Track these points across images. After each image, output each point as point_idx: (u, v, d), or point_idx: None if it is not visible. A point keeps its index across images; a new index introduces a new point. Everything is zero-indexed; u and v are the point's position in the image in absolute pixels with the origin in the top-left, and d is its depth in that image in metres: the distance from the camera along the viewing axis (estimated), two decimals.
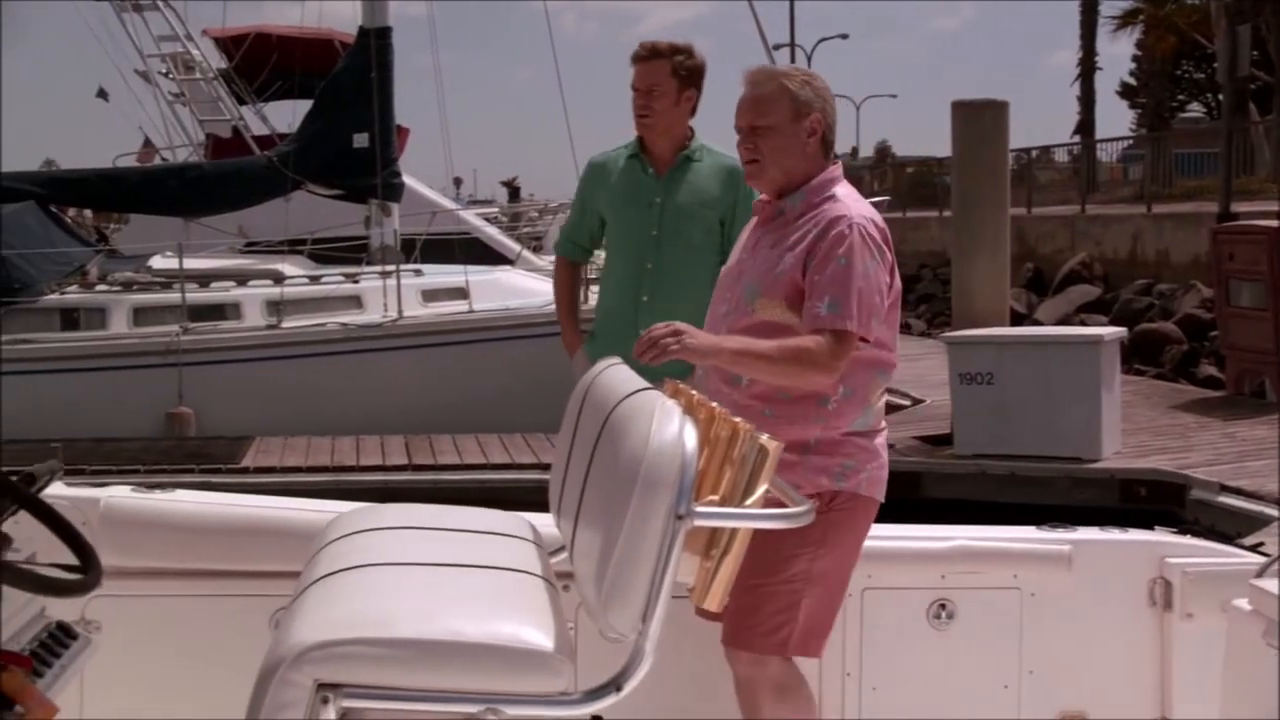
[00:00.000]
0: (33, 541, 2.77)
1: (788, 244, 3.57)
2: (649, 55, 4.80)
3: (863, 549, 3.73)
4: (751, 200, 4.97)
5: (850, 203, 3.59)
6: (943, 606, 3.80)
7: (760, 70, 3.70)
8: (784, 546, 3.34)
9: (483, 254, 17.42)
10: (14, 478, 2.71)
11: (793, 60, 48.00)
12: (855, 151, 38.50)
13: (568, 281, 5.26)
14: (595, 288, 5.63)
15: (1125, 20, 41.29)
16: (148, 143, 21.54)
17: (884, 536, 3.82)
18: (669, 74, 4.77)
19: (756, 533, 3.26)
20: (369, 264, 15.77)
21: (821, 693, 3.75)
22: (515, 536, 3.11)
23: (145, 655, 3.57)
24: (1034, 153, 33.14)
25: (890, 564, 3.81)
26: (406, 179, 16.91)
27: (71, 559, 2.66)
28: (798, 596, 3.44)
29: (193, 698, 3.61)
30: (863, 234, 3.49)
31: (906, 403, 14.44)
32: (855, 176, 37.27)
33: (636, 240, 4.90)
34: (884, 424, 3.68)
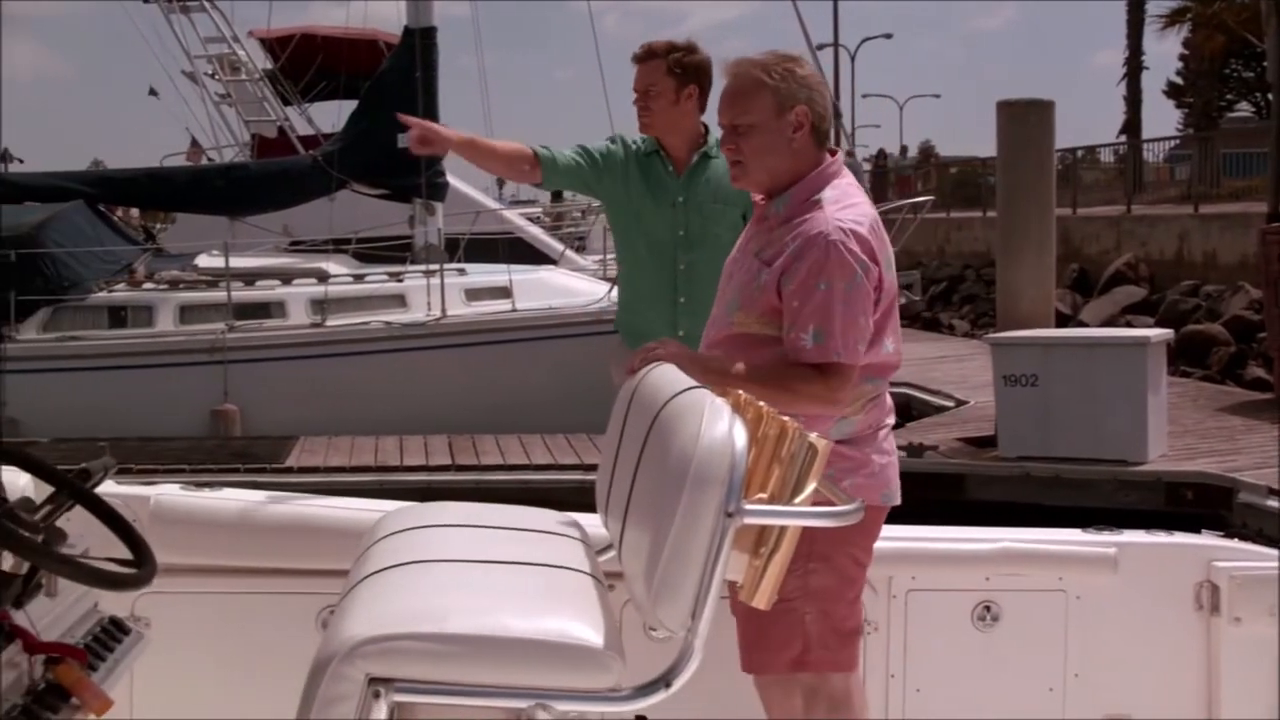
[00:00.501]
0: (85, 537, 2.80)
1: (767, 256, 3.40)
2: (645, 56, 4.78)
3: (906, 550, 3.73)
4: None
5: (833, 211, 3.34)
6: (987, 608, 3.78)
7: (738, 62, 3.46)
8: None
9: (526, 253, 17.47)
10: (69, 474, 2.75)
11: (835, 61, 47.89)
12: (905, 150, 38.39)
13: (517, 150, 4.84)
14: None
15: (1173, 19, 40.92)
16: (194, 143, 21.73)
17: (928, 538, 3.81)
18: (664, 73, 4.75)
19: None
20: (413, 263, 15.84)
21: (865, 694, 3.75)
22: (563, 535, 3.12)
23: (193, 651, 3.60)
24: (1079, 153, 32.91)
25: (934, 566, 3.80)
26: (450, 178, 16.98)
27: (124, 554, 2.68)
28: (799, 615, 3.32)
29: (239, 693, 3.64)
30: (842, 251, 3.27)
31: (950, 404, 14.38)
32: (903, 176, 37.04)
33: (664, 241, 4.87)
34: (877, 430, 3.51)
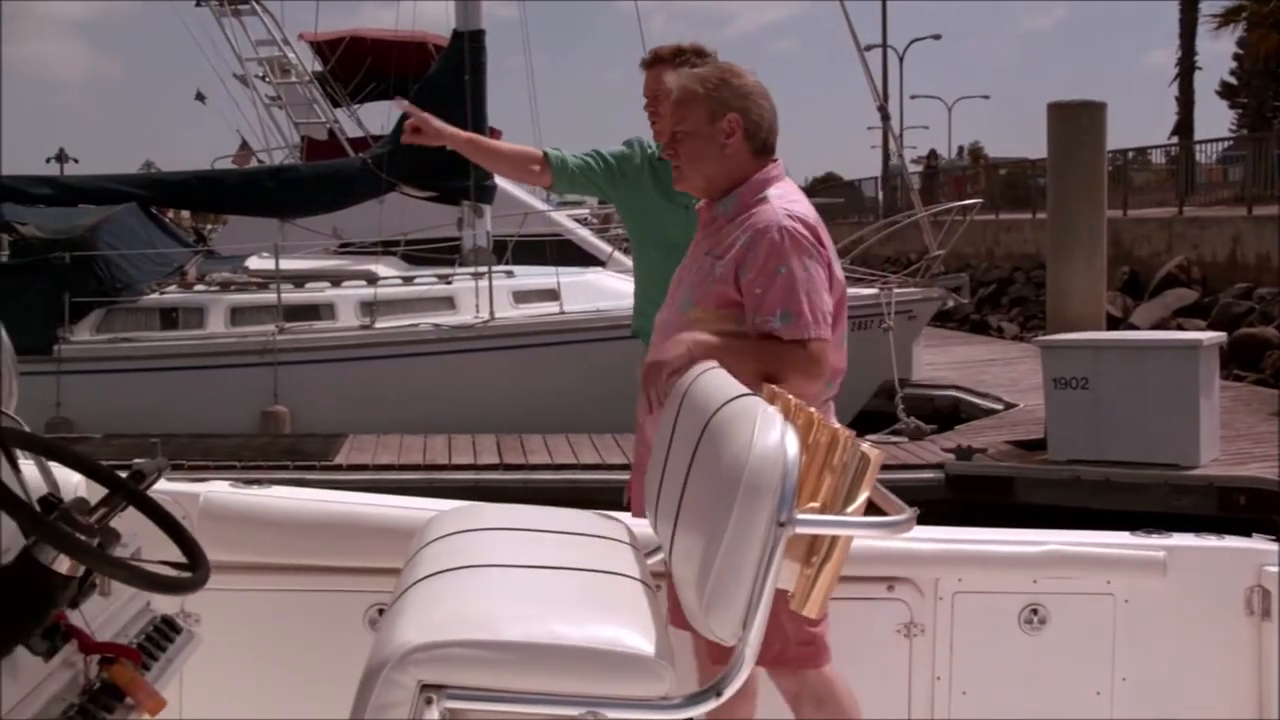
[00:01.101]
0: (137, 537, 2.82)
1: (719, 251, 3.50)
2: (651, 61, 4.74)
3: (953, 553, 3.71)
4: None
5: (780, 204, 3.46)
6: (1034, 611, 3.76)
7: (681, 74, 3.62)
8: None
9: (574, 255, 17.48)
10: (122, 474, 2.77)
11: (884, 62, 47.72)
12: (961, 151, 38.17)
13: (527, 153, 4.81)
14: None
15: (1227, 18, 40.50)
16: (244, 145, 21.88)
17: (975, 540, 3.79)
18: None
19: None
20: (461, 265, 15.89)
21: (911, 695, 3.74)
22: (612, 539, 3.12)
23: (241, 648, 3.62)
24: (1130, 154, 32.66)
25: (981, 568, 3.77)
26: (499, 180, 17.02)
27: (176, 554, 2.71)
28: (775, 614, 3.34)
29: (286, 690, 3.66)
30: (794, 235, 3.38)
31: (999, 407, 14.34)
32: (957, 177, 36.76)
33: (677, 244, 4.85)
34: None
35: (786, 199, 3.50)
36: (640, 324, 4.99)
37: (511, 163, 4.84)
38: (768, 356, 3.34)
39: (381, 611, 3.64)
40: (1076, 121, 12.61)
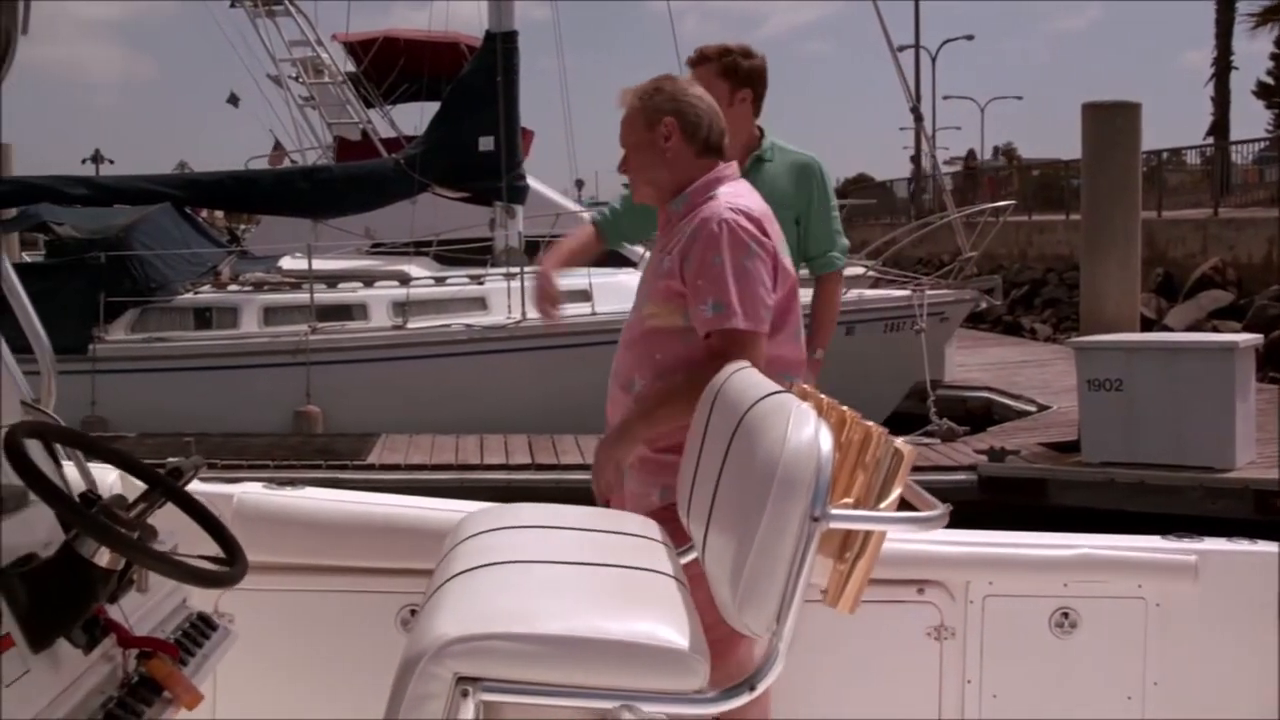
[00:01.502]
0: (174, 534, 2.84)
1: (668, 248, 3.56)
2: (698, 60, 4.75)
3: (984, 556, 3.71)
4: (828, 194, 4.93)
5: (725, 200, 3.50)
6: (1065, 615, 3.75)
7: (622, 92, 3.66)
8: None
9: (605, 255, 17.48)
10: (161, 472, 2.79)
11: (916, 63, 47.60)
12: (997, 151, 38.00)
13: (584, 237, 4.80)
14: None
15: (1264, 17, 40.24)
16: (278, 145, 22.00)
17: (1006, 544, 3.78)
18: (718, 76, 4.72)
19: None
20: (493, 265, 15.92)
21: (941, 698, 3.74)
22: (644, 536, 3.12)
23: (273, 648, 3.64)
24: (1165, 155, 32.48)
25: (1012, 571, 3.76)
26: (531, 181, 17.06)
27: (209, 551, 2.73)
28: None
29: (318, 690, 3.69)
30: (733, 227, 3.42)
31: (1032, 409, 14.28)
32: (994, 178, 36.55)
33: None
34: None
35: (734, 195, 3.54)
36: None
37: (585, 251, 4.84)
38: (696, 376, 3.33)
39: (414, 612, 3.66)
40: (1111, 122, 12.54)
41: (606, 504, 3.57)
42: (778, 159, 4.83)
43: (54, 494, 2.35)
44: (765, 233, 3.48)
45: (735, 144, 4.82)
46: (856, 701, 3.69)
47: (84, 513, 2.35)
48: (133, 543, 2.37)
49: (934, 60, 53.95)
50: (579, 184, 39.29)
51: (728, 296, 3.38)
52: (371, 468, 11.30)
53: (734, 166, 3.69)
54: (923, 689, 3.74)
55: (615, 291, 14.78)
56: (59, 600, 2.35)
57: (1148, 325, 19.46)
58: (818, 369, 4.91)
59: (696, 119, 3.59)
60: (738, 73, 4.72)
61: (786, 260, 3.55)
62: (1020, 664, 3.75)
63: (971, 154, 40.01)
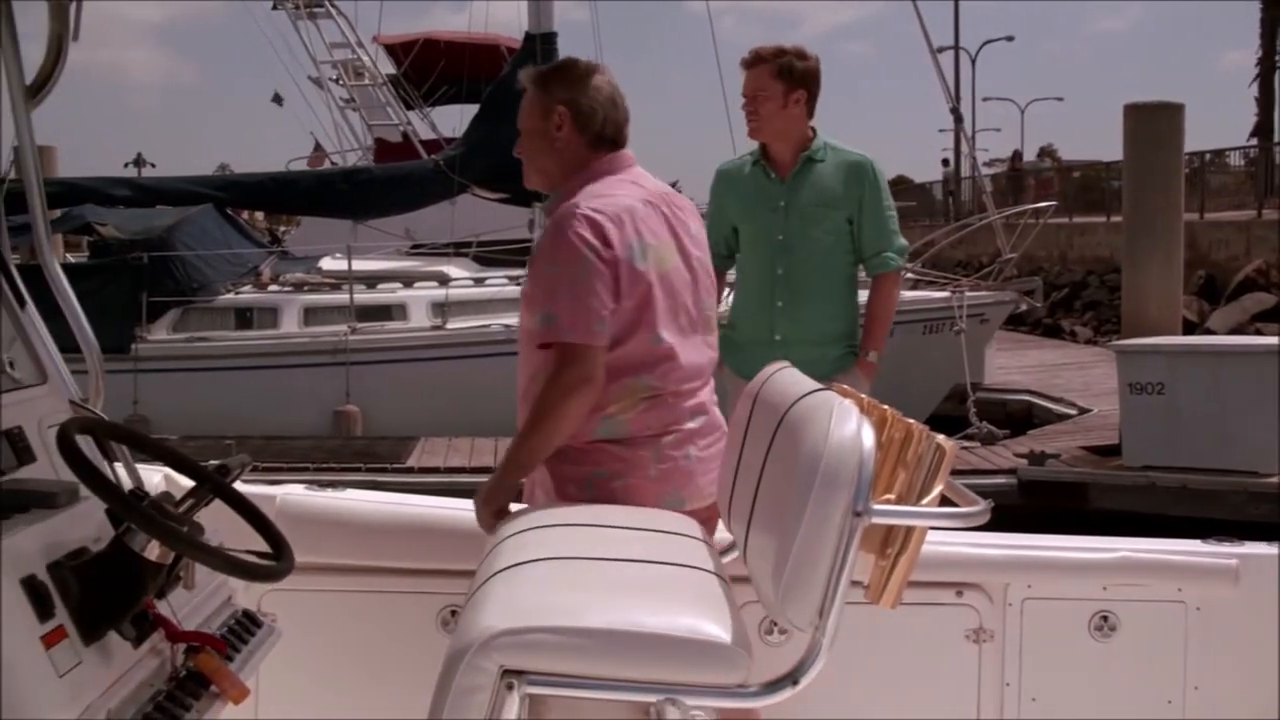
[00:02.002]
0: (219, 532, 2.87)
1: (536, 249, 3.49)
2: (753, 61, 4.78)
3: (1022, 559, 3.69)
4: (881, 193, 4.92)
5: (581, 199, 3.36)
6: (1104, 618, 3.73)
7: (521, 73, 3.60)
8: None
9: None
10: (210, 470, 2.83)
11: (956, 64, 47.39)
12: (1043, 153, 37.68)
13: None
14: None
15: None
16: (318, 147, 22.13)
17: (1045, 546, 3.77)
18: (772, 77, 4.74)
19: None
20: None
21: (980, 701, 3.73)
22: (686, 535, 3.14)
23: (316, 647, 3.66)
24: (1207, 156, 32.21)
25: (1051, 574, 3.75)
26: None
27: (254, 548, 2.75)
28: None
29: (360, 690, 3.71)
30: (569, 234, 3.28)
31: (1072, 412, 14.20)
32: (1045, 179, 36.14)
33: (765, 246, 4.87)
34: (660, 434, 3.41)
35: (595, 194, 3.39)
36: (725, 335, 4.95)
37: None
38: (545, 398, 3.30)
39: (454, 613, 3.69)
40: (1153, 123, 12.50)
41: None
42: (830, 159, 4.85)
43: (107, 488, 2.39)
44: (605, 236, 3.29)
45: (788, 144, 4.85)
46: (894, 703, 3.68)
47: (136, 506, 2.38)
48: (182, 536, 2.40)
49: (974, 61, 53.86)
50: None
51: (556, 309, 3.29)
52: (410, 470, 11.34)
53: (627, 157, 3.55)
54: (961, 692, 3.73)
55: None
56: (110, 593, 2.38)
57: (1190, 328, 19.36)
58: (872, 371, 4.91)
59: (590, 110, 3.48)
60: (793, 74, 4.74)
61: (641, 264, 3.35)
62: (1059, 667, 3.73)
63: (1017, 155, 39.67)
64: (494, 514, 3.40)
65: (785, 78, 4.74)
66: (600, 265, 3.27)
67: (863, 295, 5.09)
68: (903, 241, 4.98)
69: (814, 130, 4.88)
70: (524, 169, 3.59)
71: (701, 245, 3.58)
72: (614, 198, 3.40)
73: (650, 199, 3.47)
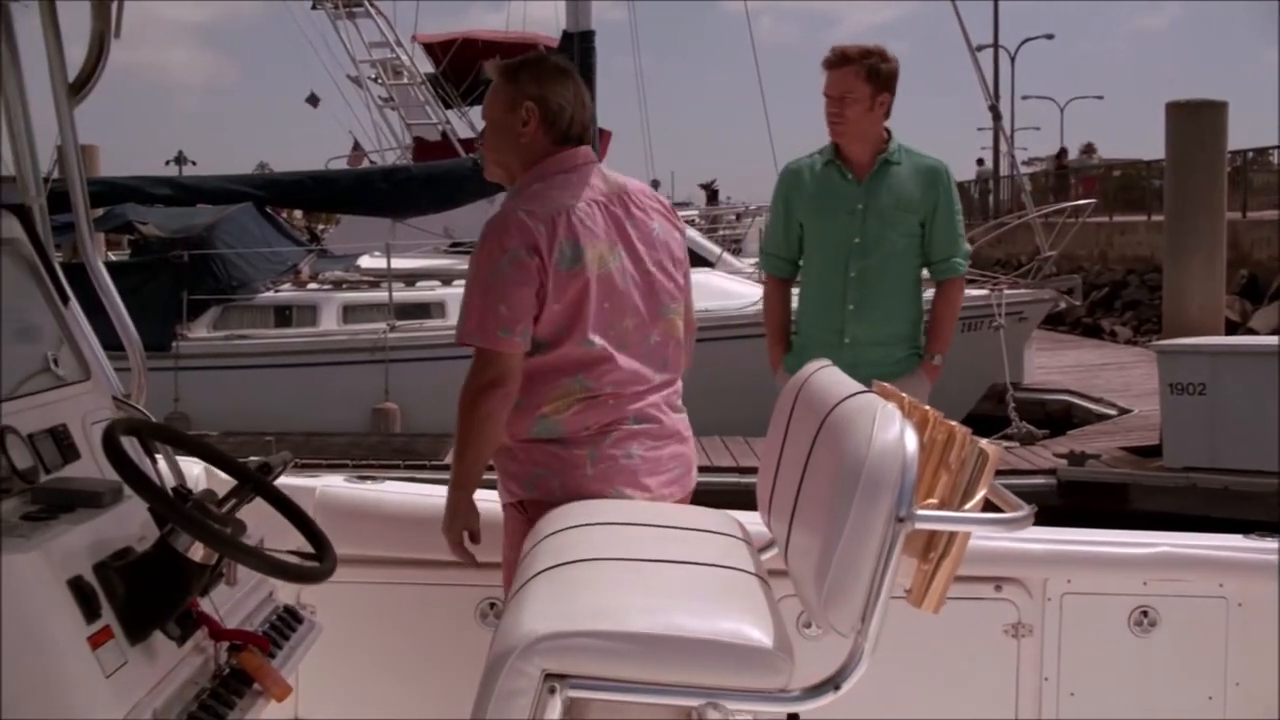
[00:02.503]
0: (259, 528, 2.89)
1: None
2: (839, 61, 4.71)
3: (1062, 553, 3.68)
4: (953, 199, 4.90)
5: (515, 201, 3.37)
6: (1145, 614, 3.72)
7: (488, 65, 3.55)
8: (517, 559, 3.26)
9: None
10: (252, 468, 2.84)
11: (995, 62, 47.17)
12: (1091, 150, 37.28)
13: (780, 302, 5.10)
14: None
15: None
16: (357, 146, 22.22)
17: (1085, 541, 3.75)
18: (861, 79, 4.69)
19: (504, 549, 3.38)
20: None
21: (1018, 696, 3.72)
22: (726, 534, 3.13)
23: (355, 639, 3.68)
24: (1249, 154, 31.90)
25: (1091, 569, 3.74)
26: None
27: (294, 544, 2.77)
28: None
29: (398, 680, 3.73)
30: (491, 238, 3.30)
31: (1112, 412, 14.11)
32: (1091, 177, 35.81)
33: (838, 248, 4.83)
34: (598, 432, 3.40)
35: (531, 195, 3.38)
36: (790, 358, 4.95)
37: (788, 305, 5.14)
38: (463, 404, 3.33)
39: (492, 605, 3.70)
40: (1196, 121, 12.39)
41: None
42: (905, 162, 4.82)
43: (152, 490, 2.40)
44: (532, 239, 3.27)
45: (867, 146, 4.81)
46: (933, 698, 3.68)
47: (181, 509, 2.39)
48: (226, 538, 2.41)
49: (1013, 60, 53.60)
50: (654, 184, 39.15)
51: (469, 309, 3.30)
52: (448, 467, 11.33)
53: (583, 153, 3.49)
54: (999, 686, 3.72)
55: (693, 291, 14.78)
56: (155, 593, 2.39)
57: (1232, 328, 19.17)
58: (936, 375, 4.90)
59: (559, 109, 3.45)
60: (879, 76, 4.71)
61: (574, 269, 3.31)
62: (1098, 662, 3.72)
63: (1064, 152, 39.25)
64: (460, 539, 3.46)
65: (873, 80, 4.69)
66: (519, 272, 3.26)
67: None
68: (968, 247, 4.99)
69: (888, 132, 4.85)
70: (485, 162, 3.59)
71: (661, 246, 3.51)
72: (552, 198, 3.37)
73: (597, 199, 3.43)
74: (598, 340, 3.35)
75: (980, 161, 44.11)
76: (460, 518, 3.45)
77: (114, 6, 3.44)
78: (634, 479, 3.42)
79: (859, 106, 4.71)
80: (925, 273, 5.03)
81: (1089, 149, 37.29)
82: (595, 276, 3.34)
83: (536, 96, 3.43)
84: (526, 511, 3.38)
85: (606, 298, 3.37)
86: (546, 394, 3.37)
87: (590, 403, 3.39)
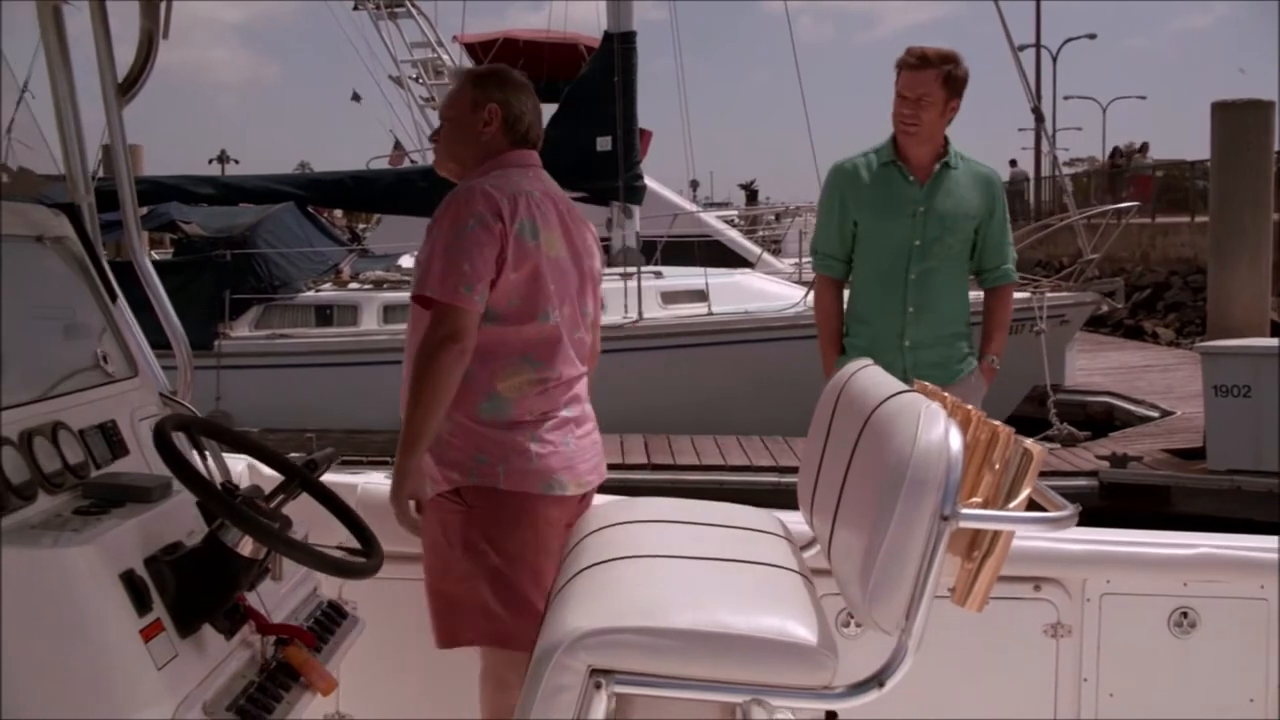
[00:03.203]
0: (304, 524, 2.91)
1: None
2: (919, 64, 4.69)
3: (1101, 554, 3.68)
4: (1006, 207, 4.93)
5: (477, 180, 3.49)
6: (1184, 615, 3.70)
7: (456, 69, 3.68)
8: (450, 548, 3.41)
9: (722, 256, 17.48)
10: (299, 465, 2.86)
11: (1037, 62, 46.91)
12: (1146, 147, 36.77)
13: (833, 304, 5.03)
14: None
15: None
16: (398, 146, 22.30)
17: (1125, 542, 3.74)
18: (939, 83, 4.68)
19: (431, 539, 3.41)
20: (610, 265, 15.97)
21: (1057, 696, 3.72)
22: (768, 532, 3.14)
23: (396, 635, 3.70)
24: None
25: (1130, 570, 3.72)
26: (648, 181, 17.08)
27: (339, 538, 2.79)
28: (477, 594, 3.41)
29: (437, 676, 3.74)
30: (457, 204, 3.41)
31: (1155, 414, 14.01)
32: (1145, 176, 35.44)
33: (898, 249, 4.81)
34: (541, 419, 3.50)
35: (496, 178, 3.51)
36: (849, 343, 4.94)
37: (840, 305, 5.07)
38: (418, 360, 3.36)
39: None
40: (1242, 121, 12.30)
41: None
42: (962, 167, 4.84)
43: (204, 485, 2.43)
44: (498, 208, 3.40)
45: (930, 149, 4.81)
46: (971, 698, 3.67)
47: (232, 504, 2.42)
48: (276, 533, 2.43)
49: (1055, 60, 53.29)
50: (694, 184, 39.17)
51: (430, 266, 3.37)
52: None
53: (533, 155, 3.69)
54: (1038, 686, 3.72)
55: (733, 291, 14.78)
56: (204, 587, 2.42)
57: (1277, 330, 19.00)
58: (993, 376, 4.92)
59: (520, 114, 3.64)
60: (954, 81, 4.72)
61: (537, 243, 3.47)
62: (1138, 663, 3.71)
63: (1118, 150, 38.64)
64: (407, 507, 3.48)
65: (948, 85, 4.70)
66: (483, 234, 3.37)
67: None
68: (1015, 253, 5.03)
69: (947, 137, 4.86)
70: (437, 156, 3.71)
71: (589, 256, 3.71)
72: (513, 182, 3.52)
73: (550, 193, 3.62)
74: (554, 317, 3.50)
75: (1013, 163, 43.79)
76: (409, 483, 3.45)
77: (162, 6, 3.47)
78: (570, 466, 3.52)
79: (933, 110, 4.70)
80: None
81: (1143, 148, 36.66)
82: (547, 257, 3.49)
83: (500, 100, 3.63)
84: (464, 499, 3.44)
85: (556, 279, 3.53)
86: (498, 370, 3.46)
87: (538, 386, 3.50)
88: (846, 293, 5.07)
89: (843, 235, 4.94)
